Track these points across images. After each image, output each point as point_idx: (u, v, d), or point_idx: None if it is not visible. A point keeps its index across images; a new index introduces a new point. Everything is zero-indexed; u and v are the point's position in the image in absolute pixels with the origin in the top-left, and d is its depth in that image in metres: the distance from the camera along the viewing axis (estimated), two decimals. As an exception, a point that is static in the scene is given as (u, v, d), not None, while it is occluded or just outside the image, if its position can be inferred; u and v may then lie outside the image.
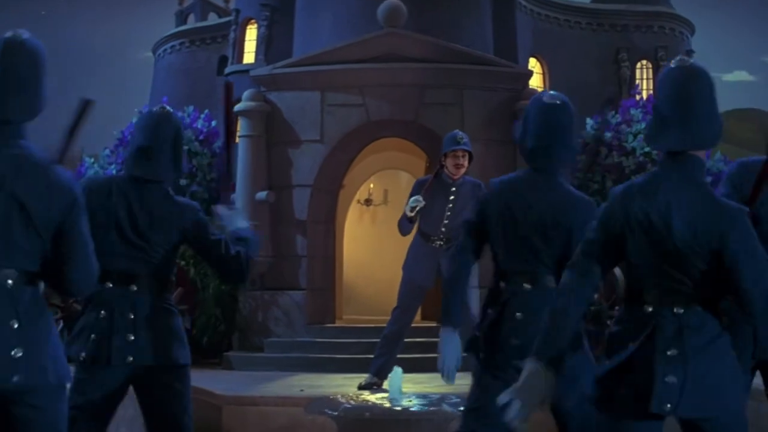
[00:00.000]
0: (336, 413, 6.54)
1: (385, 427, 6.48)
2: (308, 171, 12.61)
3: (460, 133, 8.98)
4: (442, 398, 6.76)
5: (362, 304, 15.79)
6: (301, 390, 9.12)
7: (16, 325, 3.62)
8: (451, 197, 8.83)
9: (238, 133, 12.79)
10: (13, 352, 3.60)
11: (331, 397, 6.83)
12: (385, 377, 8.56)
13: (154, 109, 5.04)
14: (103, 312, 4.68)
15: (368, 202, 19.16)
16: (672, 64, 3.66)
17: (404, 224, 8.80)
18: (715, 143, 3.63)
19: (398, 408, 6.46)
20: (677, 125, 3.58)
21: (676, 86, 3.61)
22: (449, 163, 8.81)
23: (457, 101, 12.70)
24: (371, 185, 18.07)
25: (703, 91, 3.61)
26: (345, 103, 12.65)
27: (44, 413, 3.68)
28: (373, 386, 8.71)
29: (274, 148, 12.70)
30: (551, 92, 4.76)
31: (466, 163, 8.87)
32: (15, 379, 3.58)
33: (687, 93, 3.59)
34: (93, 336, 4.66)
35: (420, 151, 13.45)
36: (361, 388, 8.67)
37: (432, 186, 8.79)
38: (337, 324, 12.85)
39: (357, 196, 17.36)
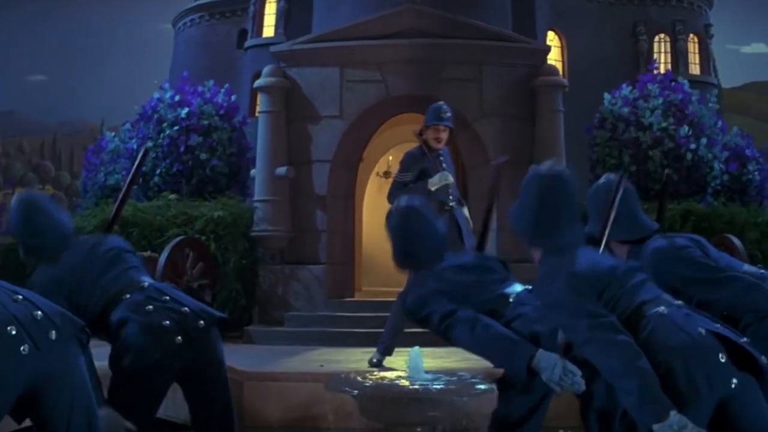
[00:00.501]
0: (356, 392, 6.72)
1: (404, 405, 6.64)
2: (328, 146, 12.74)
3: (445, 106, 9.36)
4: (461, 377, 6.93)
5: (381, 275, 15.90)
6: (321, 365, 9.28)
7: None
8: (443, 165, 9.23)
9: (258, 109, 12.92)
10: None
11: (351, 375, 6.98)
12: (390, 354, 8.94)
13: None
14: None
15: (387, 174, 19.28)
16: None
17: (402, 193, 8.94)
18: None
19: (417, 387, 6.61)
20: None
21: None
22: (430, 135, 9.24)
23: (475, 77, 12.78)
24: (390, 158, 18.19)
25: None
26: (364, 79, 12.76)
27: None
28: (382, 364, 8.98)
29: (294, 123, 12.83)
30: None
31: (446, 138, 9.28)
32: None
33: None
34: None
35: (438, 125, 13.53)
36: (372, 365, 8.96)
37: (429, 159, 9.14)
38: (357, 297, 12.98)
39: (376, 169, 17.51)
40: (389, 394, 6.63)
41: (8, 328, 4.04)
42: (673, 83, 14.16)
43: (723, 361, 3.91)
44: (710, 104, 14.62)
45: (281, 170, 12.50)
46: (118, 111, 19.32)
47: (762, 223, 13.42)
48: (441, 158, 9.26)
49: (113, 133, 15.78)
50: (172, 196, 13.06)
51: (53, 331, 4.16)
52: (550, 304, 4.09)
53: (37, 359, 4.06)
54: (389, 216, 5.28)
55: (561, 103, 12.82)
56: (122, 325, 4.99)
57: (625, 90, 14.15)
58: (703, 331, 3.99)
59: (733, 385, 3.90)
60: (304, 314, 12.26)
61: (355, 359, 9.74)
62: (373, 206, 16.32)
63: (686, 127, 13.62)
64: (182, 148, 13.63)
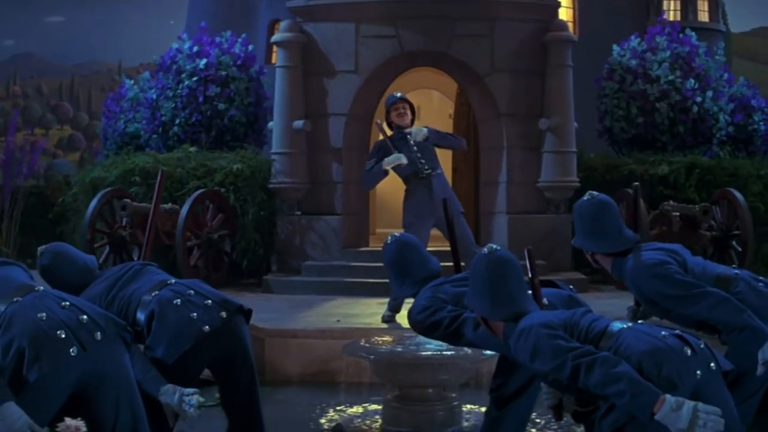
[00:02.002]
0: (371, 356, 7.19)
1: (414, 369, 7.11)
2: (343, 100, 13.05)
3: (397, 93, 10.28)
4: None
5: (395, 217, 16.33)
6: (338, 320, 9.75)
7: None
8: (411, 140, 9.94)
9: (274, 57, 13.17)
10: None
11: (365, 343, 7.42)
12: (399, 311, 9.53)
13: None
14: None
15: (400, 117, 19.63)
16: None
17: (370, 178, 10.25)
18: None
19: (427, 353, 7.07)
20: None
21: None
22: (393, 115, 10.03)
23: (487, 33, 13.00)
24: (403, 102, 18.51)
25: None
26: (379, 35, 13.01)
27: None
28: (392, 319, 9.58)
29: (311, 78, 13.12)
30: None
31: (408, 112, 10.03)
32: None
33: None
34: None
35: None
36: (384, 321, 9.57)
37: (393, 143, 9.96)
38: (371, 246, 13.37)
39: (390, 114, 17.83)
40: (402, 360, 7.09)
41: (58, 332, 4.50)
42: (681, 35, 14.40)
43: (688, 354, 4.34)
44: (717, 56, 14.87)
45: (298, 124, 12.83)
46: (136, 52, 19.58)
47: (765, 175, 13.71)
48: (408, 134, 9.96)
49: (132, 81, 16.08)
50: (192, 149, 13.43)
51: (98, 333, 4.63)
52: (532, 354, 4.50)
53: (85, 359, 4.52)
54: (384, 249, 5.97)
55: (570, 58, 13.07)
56: (153, 318, 5.44)
57: (634, 42, 14.40)
58: (666, 334, 4.42)
59: (698, 376, 4.32)
60: (320, 264, 12.68)
61: (370, 312, 10.21)
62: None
63: (692, 81, 13.90)
64: (201, 99, 13.98)
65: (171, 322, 5.39)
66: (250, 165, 13.07)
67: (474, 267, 4.82)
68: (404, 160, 9.78)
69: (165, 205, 12.52)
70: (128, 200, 12.51)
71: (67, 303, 4.76)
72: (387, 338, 7.74)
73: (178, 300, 5.49)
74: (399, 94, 10.19)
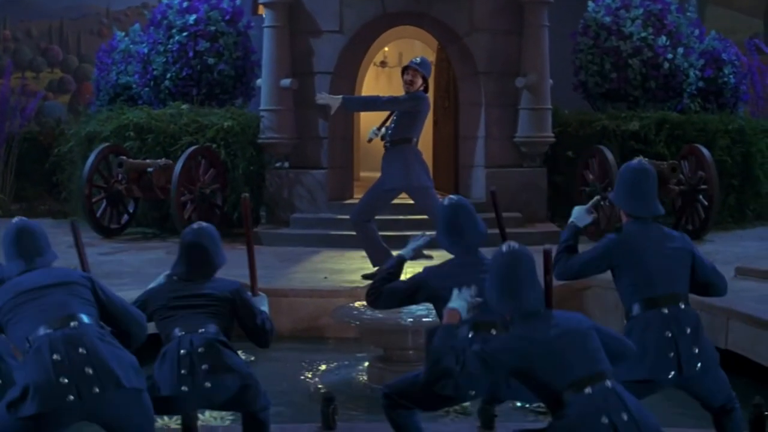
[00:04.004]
0: (357, 322, 7.89)
1: (398, 334, 7.82)
2: (328, 59, 13.60)
3: (418, 58, 10.16)
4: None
5: (377, 161, 16.91)
6: (325, 277, 10.42)
7: None
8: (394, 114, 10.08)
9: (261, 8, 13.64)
10: None
11: (353, 309, 8.10)
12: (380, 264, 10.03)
13: None
14: None
15: (383, 64, 20.24)
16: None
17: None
18: None
19: (410, 319, 7.75)
20: None
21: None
22: (405, 78, 9.98)
23: (467, -7, 13.55)
24: (386, 48, 19.08)
25: None
26: (362, -4, 13.57)
27: None
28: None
29: (297, 37, 13.64)
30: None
31: (418, 80, 9.93)
32: None
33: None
34: None
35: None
36: (366, 277, 10.01)
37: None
38: (356, 198, 13.96)
39: (374, 59, 18.42)
40: (385, 326, 7.78)
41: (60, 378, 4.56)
42: (653, -8, 14.89)
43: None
44: (689, 13, 15.41)
45: (285, 82, 13.37)
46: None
47: (732, 130, 14.36)
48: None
49: (123, 33, 16.52)
50: (185, 106, 13.98)
51: (96, 387, 4.59)
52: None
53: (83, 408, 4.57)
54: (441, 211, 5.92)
55: (546, 18, 13.59)
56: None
57: (608, -2, 14.91)
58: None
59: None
60: (307, 216, 13.32)
61: (355, 267, 10.85)
62: (370, 92, 17.26)
63: (664, 38, 14.46)
64: (191, 54, 14.46)
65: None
66: (240, 122, 13.64)
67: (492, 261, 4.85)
68: (377, 134, 10.10)
69: (159, 161, 13.16)
70: (125, 157, 13.14)
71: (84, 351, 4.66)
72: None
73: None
74: (418, 60, 10.03)
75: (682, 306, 5.30)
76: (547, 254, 4.82)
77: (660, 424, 4.41)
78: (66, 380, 4.51)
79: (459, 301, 4.73)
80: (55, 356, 4.56)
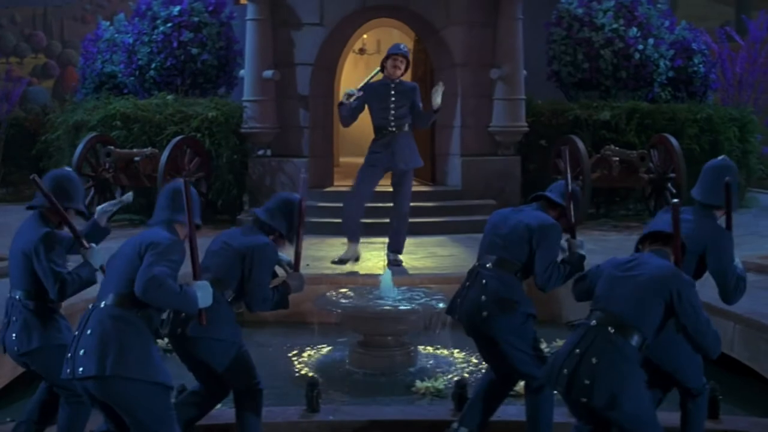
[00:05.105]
0: (338, 310, 8.34)
1: (377, 321, 8.28)
2: (309, 51, 14.03)
3: (402, 45, 10.64)
4: (426, 295, 8.52)
5: (356, 145, 17.27)
6: (307, 264, 10.80)
7: None
8: (393, 94, 10.48)
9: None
10: None
11: (334, 296, 8.55)
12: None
13: None
14: None
15: (362, 51, 20.62)
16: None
17: (345, 112, 10.46)
18: None
19: (388, 306, 8.22)
20: None
21: None
22: (389, 64, 10.42)
23: (443, -13, 13.96)
24: (365, 36, 19.45)
25: None
26: (343, -11, 13.96)
27: None
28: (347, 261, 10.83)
29: (279, 29, 14.05)
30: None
31: (402, 67, 10.45)
32: None
33: None
34: None
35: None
36: (337, 263, 10.76)
37: (373, 85, 10.57)
38: (336, 186, 14.42)
39: (353, 47, 18.77)
40: (365, 314, 8.25)
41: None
42: (624, -16, 15.33)
43: None
44: (659, 5, 15.86)
45: (268, 73, 13.78)
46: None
47: (701, 119, 14.80)
48: (393, 86, 10.47)
49: (108, 23, 16.85)
50: (170, 97, 14.37)
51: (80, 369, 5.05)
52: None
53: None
54: None
55: (520, 12, 14.03)
56: None
57: (581, -10, 15.33)
58: None
59: None
60: (289, 203, 13.69)
61: (335, 253, 11.29)
62: (350, 81, 17.59)
63: (635, 29, 14.91)
64: (175, 44, 14.84)
65: None
66: (223, 112, 14.05)
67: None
68: (356, 94, 10.39)
69: (145, 150, 13.58)
70: (112, 147, 13.55)
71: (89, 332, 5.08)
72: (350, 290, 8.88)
73: None
74: (403, 48, 10.55)
75: None
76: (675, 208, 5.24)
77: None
78: None
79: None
80: None
